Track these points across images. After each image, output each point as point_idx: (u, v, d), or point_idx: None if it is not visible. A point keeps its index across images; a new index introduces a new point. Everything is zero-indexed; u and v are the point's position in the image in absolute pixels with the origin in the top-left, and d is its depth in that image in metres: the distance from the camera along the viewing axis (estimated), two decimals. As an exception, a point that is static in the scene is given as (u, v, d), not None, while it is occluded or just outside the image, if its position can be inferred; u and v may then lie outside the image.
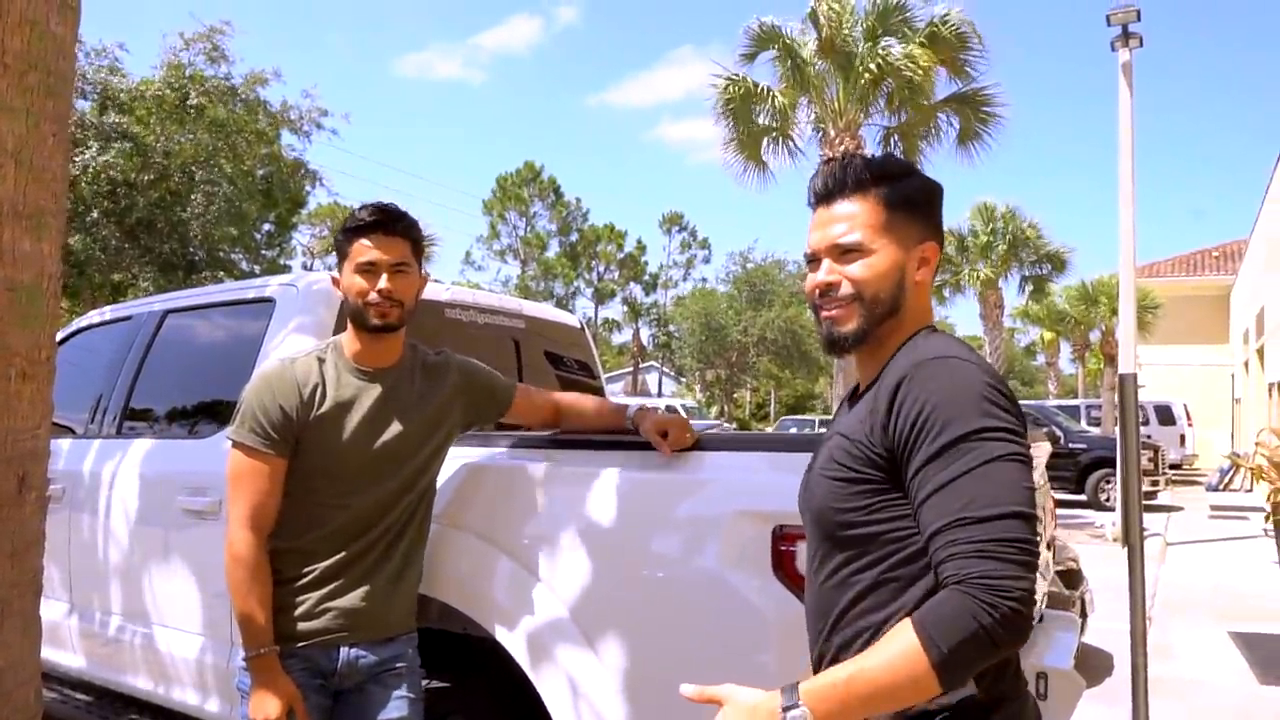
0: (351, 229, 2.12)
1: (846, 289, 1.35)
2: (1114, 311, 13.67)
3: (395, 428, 2.14)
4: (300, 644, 2.06)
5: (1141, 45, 10.50)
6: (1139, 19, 10.33)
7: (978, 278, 20.46)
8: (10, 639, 1.38)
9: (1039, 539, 1.14)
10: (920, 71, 11.88)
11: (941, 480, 1.14)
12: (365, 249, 2.10)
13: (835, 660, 1.28)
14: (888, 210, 1.35)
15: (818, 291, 1.39)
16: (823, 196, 1.39)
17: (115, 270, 15.68)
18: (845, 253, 1.35)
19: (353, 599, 2.09)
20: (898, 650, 1.09)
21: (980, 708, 1.20)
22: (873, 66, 12.16)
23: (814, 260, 1.40)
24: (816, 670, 1.35)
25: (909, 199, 1.36)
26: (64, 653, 3.38)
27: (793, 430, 24.81)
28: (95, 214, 14.78)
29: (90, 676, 3.36)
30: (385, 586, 2.13)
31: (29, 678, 1.43)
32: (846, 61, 12.52)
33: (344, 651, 2.09)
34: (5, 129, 1.32)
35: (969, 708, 1.20)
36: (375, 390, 2.15)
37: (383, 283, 2.08)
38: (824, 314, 1.39)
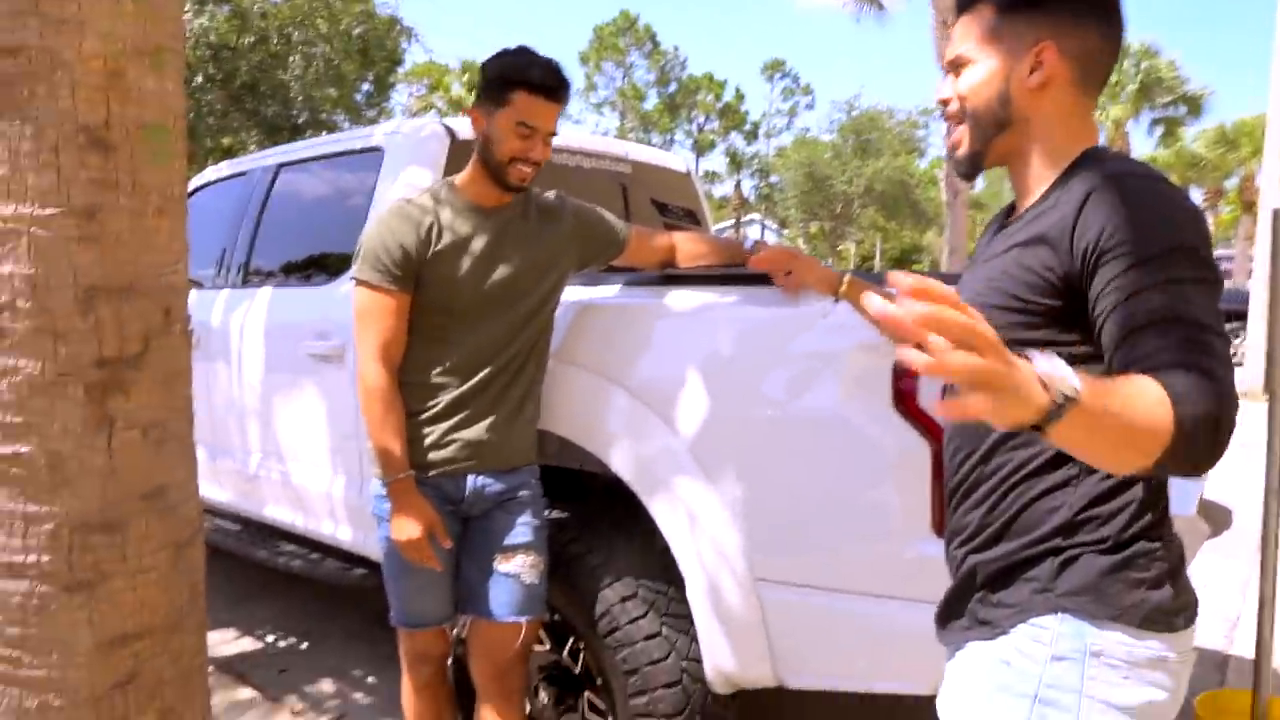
0: (520, 82, 2.05)
1: (954, 106, 1.31)
2: (1256, 154, 12.58)
3: (510, 264, 2.16)
4: (430, 472, 2.16)
5: None
6: None
7: (1107, 118, 19.16)
8: (171, 460, 1.48)
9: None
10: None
11: (1140, 286, 1.04)
12: (531, 110, 2.05)
13: (975, 489, 1.26)
14: (996, 15, 1.26)
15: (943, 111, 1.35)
16: (959, 7, 1.33)
17: (224, 134, 16.06)
18: (957, 68, 1.30)
19: (477, 430, 2.16)
20: (1154, 399, 0.95)
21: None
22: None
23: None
24: (949, 501, 1.33)
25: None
26: (211, 487, 3.65)
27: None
28: (200, 79, 15.03)
29: (236, 509, 3.63)
30: (506, 419, 2.19)
31: (191, 494, 1.54)
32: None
33: (471, 480, 2.18)
34: (120, -39, 1.32)
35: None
36: (491, 227, 2.16)
37: (538, 152, 2.09)
38: (949, 138, 1.34)
